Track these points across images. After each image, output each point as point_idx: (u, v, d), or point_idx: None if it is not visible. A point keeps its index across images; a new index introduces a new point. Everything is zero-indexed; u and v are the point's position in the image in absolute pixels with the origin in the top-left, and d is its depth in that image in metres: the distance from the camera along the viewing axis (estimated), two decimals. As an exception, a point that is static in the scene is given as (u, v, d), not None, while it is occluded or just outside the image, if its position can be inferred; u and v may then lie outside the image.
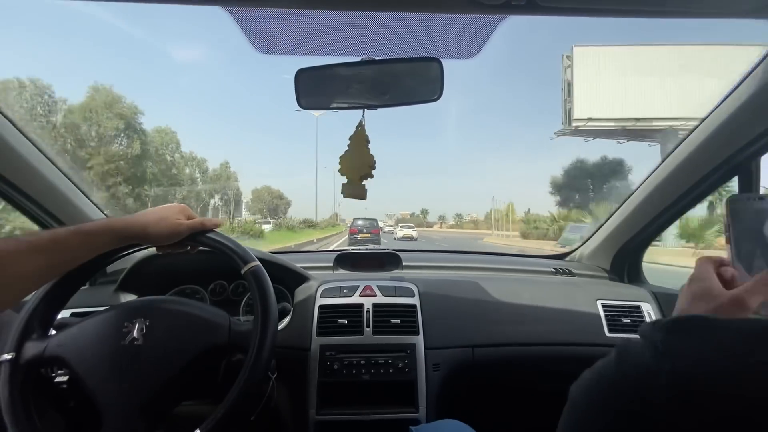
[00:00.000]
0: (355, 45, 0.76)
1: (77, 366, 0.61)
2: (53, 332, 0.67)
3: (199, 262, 1.09)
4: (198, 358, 0.63)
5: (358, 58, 0.76)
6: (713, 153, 0.91)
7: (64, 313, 0.97)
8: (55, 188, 0.99)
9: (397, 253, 1.35)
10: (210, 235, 0.68)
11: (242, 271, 0.66)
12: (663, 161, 1.01)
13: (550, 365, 1.03)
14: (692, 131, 0.93)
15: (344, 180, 0.80)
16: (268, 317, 0.63)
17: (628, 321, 1.05)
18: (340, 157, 0.80)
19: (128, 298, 1.04)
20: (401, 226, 26.06)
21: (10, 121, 0.85)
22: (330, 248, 1.68)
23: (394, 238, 20.81)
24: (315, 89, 0.74)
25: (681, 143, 0.96)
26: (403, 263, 1.33)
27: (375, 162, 0.78)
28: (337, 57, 0.73)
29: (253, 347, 0.61)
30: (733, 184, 0.95)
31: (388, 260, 1.34)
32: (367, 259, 1.35)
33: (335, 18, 0.71)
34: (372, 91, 0.72)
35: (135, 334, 0.63)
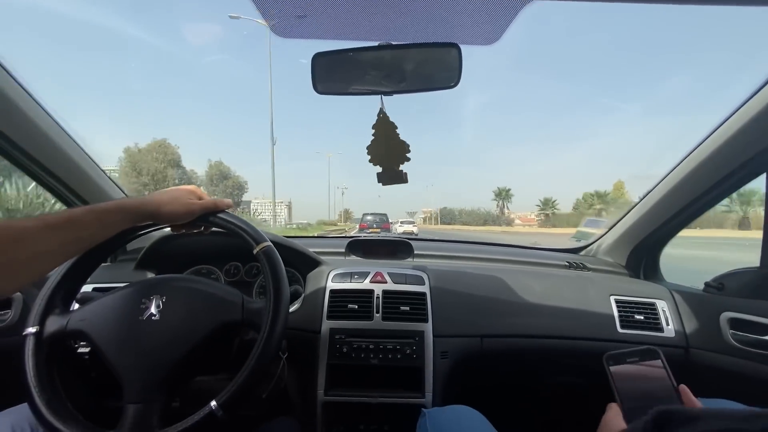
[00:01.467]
0: (372, 29, 0.75)
1: (98, 339, 0.63)
2: (76, 306, 0.70)
3: (214, 243, 1.12)
4: (212, 334, 0.65)
5: (374, 43, 0.75)
6: (741, 149, 0.87)
7: (87, 288, 1.02)
8: (80, 169, 1.03)
9: (409, 241, 1.35)
10: (222, 215, 0.69)
11: (254, 251, 0.67)
12: (688, 155, 0.98)
13: (559, 358, 1.03)
14: (720, 125, 0.89)
15: (378, 169, 0.79)
16: (280, 296, 0.65)
17: (642, 318, 1.03)
18: (368, 148, 0.79)
19: (147, 275, 1.07)
20: (401, 222, 25.63)
21: (41, 106, 0.88)
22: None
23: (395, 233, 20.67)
24: (332, 74, 0.73)
25: (708, 137, 0.93)
26: (415, 252, 1.34)
27: (408, 146, 0.77)
28: (354, 41, 0.73)
29: (265, 325, 0.62)
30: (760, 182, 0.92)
31: (399, 248, 1.34)
32: (378, 246, 1.36)
33: (352, 1, 0.70)
34: (389, 77, 0.71)
35: (152, 310, 0.65)
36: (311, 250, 1.29)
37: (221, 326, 0.66)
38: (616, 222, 1.33)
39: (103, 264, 1.19)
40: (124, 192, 1.22)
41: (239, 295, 0.70)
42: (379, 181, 0.79)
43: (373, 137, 0.77)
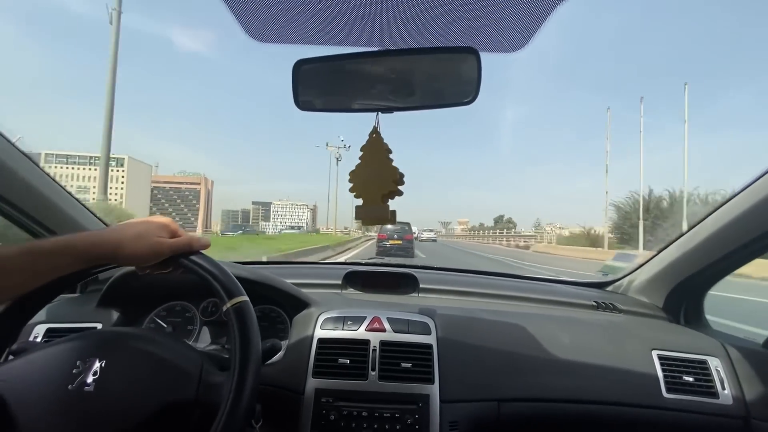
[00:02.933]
0: (370, 33, 0.61)
1: (17, 409, 0.50)
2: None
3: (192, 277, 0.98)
4: (159, 414, 0.52)
5: (373, 48, 0.62)
6: None
7: (41, 329, 0.88)
8: (41, 194, 0.91)
9: (414, 274, 1.20)
10: (195, 258, 0.57)
11: (224, 308, 0.54)
12: (754, 182, 0.81)
13: (595, 429, 0.86)
14: None
15: (359, 201, 0.66)
16: (246, 368, 0.52)
17: (691, 380, 0.85)
18: (351, 173, 0.66)
19: (111, 315, 0.93)
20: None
21: None
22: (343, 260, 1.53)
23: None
24: (317, 86, 0.59)
25: None
26: (421, 286, 1.18)
27: (402, 176, 0.64)
28: (347, 47, 0.60)
29: (224, 408, 0.49)
30: None
31: (403, 282, 1.20)
32: (379, 278, 1.22)
33: (343, 2, 0.57)
34: (389, 91, 0.57)
35: (88, 377, 0.52)
36: (303, 281, 1.14)
37: (169, 405, 0.53)
38: (652, 256, 1.16)
39: (69, 295, 1.06)
40: (102, 221, 1.09)
41: (198, 362, 0.58)
42: (356, 218, 0.65)
43: (359, 160, 0.63)
